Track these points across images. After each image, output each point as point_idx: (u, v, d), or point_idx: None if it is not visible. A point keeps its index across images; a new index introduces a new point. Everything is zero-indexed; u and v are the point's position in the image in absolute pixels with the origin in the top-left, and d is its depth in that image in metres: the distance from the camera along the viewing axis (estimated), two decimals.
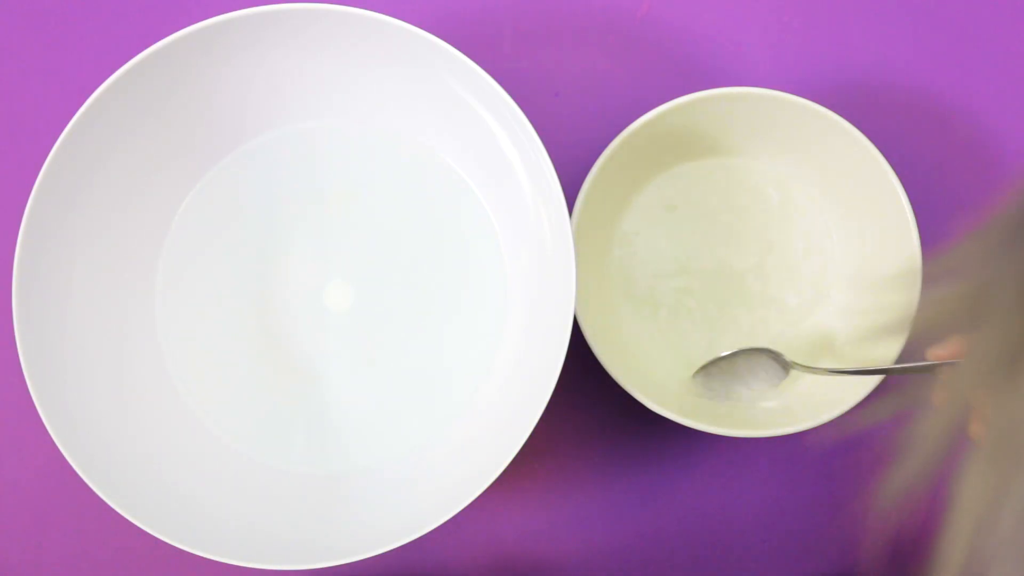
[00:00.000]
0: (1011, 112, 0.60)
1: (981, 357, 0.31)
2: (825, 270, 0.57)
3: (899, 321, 0.49)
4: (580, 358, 0.58)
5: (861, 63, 0.59)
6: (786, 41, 0.59)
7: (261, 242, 0.56)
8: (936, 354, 0.47)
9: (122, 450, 0.51)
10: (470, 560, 0.58)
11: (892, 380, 0.53)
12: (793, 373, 0.55)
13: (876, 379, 0.52)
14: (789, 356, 0.54)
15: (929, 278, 0.49)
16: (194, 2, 0.58)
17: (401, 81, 0.52)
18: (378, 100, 0.54)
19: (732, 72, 0.59)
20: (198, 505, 0.52)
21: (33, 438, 0.56)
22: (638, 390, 0.52)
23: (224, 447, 0.55)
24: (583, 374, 0.58)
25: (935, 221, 0.56)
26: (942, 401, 0.34)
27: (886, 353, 0.51)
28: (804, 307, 0.57)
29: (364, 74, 0.53)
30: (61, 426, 0.49)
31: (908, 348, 0.50)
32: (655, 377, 0.56)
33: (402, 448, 0.55)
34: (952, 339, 0.45)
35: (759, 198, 0.58)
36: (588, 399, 0.58)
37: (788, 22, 0.59)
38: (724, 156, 0.57)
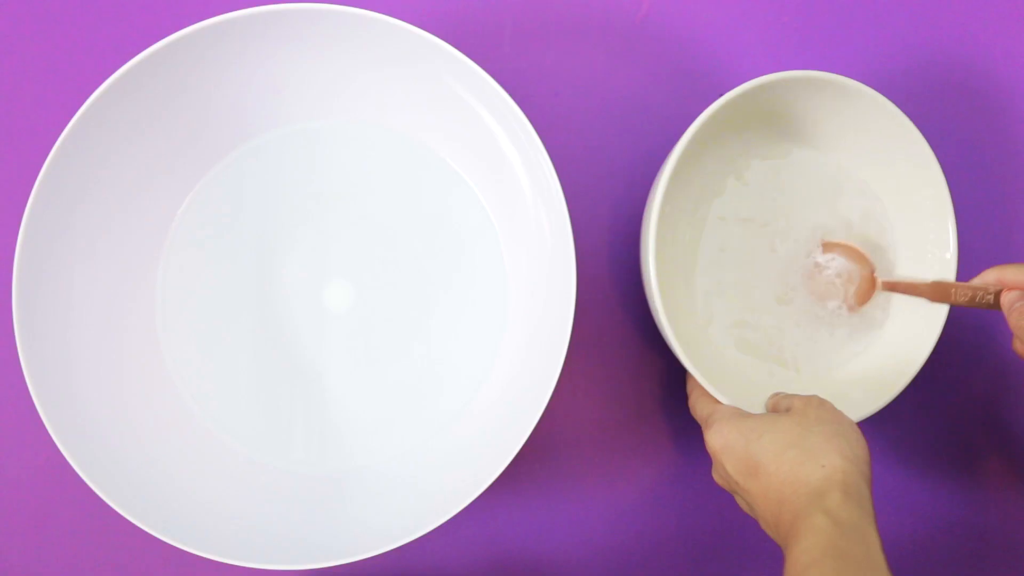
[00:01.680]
0: None
1: None
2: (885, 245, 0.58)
3: None
4: (582, 358, 0.58)
5: (861, 60, 0.59)
6: (784, 40, 0.59)
7: (261, 242, 0.56)
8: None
9: (122, 450, 0.51)
10: (470, 560, 0.58)
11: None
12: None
13: (909, 377, 0.53)
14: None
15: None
16: (194, 2, 0.58)
17: (401, 81, 0.52)
18: (378, 100, 0.54)
19: (732, 72, 0.59)
20: (198, 505, 0.52)
21: (33, 438, 0.56)
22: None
23: (224, 447, 0.55)
24: (584, 375, 0.58)
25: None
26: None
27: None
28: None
29: (364, 74, 0.53)
30: (61, 426, 0.49)
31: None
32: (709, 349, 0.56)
33: (402, 448, 0.55)
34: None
35: (825, 182, 0.57)
36: (588, 400, 0.58)
37: (787, 22, 0.60)
38: (798, 143, 0.57)
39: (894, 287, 0.54)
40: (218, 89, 0.52)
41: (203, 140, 0.54)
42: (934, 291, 0.52)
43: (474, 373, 0.55)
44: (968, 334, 0.60)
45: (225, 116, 0.54)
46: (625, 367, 0.58)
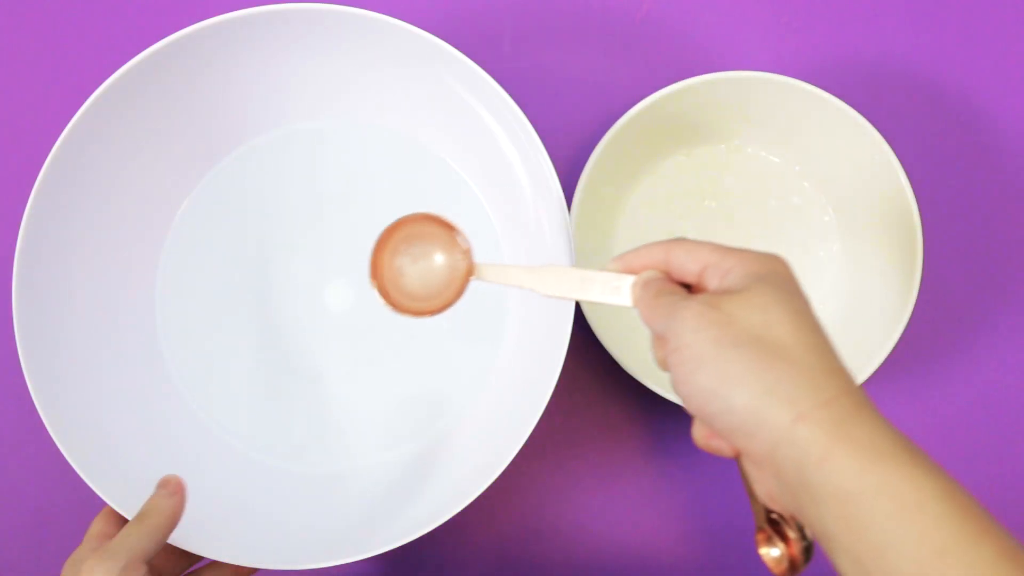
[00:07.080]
0: (1013, 96, 0.59)
1: None
2: (825, 250, 0.58)
3: None
4: (583, 359, 0.58)
5: (862, 60, 0.59)
6: (786, 42, 0.59)
7: (261, 242, 0.56)
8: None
9: (122, 450, 0.51)
10: (471, 560, 0.58)
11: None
12: None
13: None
14: None
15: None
16: (195, 2, 0.58)
17: (401, 81, 0.52)
18: (378, 100, 0.54)
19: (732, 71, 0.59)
20: (197, 504, 0.51)
21: (33, 438, 0.56)
22: (644, 376, 0.52)
23: (224, 447, 0.55)
24: (585, 374, 0.58)
25: (935, 208, 0.57)
26: None
27: None
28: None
29: (364, 74, 0.53)
30: (61, 426, 0.49)
31: None
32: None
33: (402, 448, 0.55)
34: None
35: (759, 183, 0.58)
36: (589, 399, 0.58)
37: (788, 22, 0.60)
38: (721, 143, 0.57)
39: (494, 276, 0.41)
40: (218, 89, 0.52)
41: (203, 140, 0.55)
42: (545, 280, 0.39)
43: (474, 373, 0.55)
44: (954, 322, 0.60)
45: (225, 116, 0.54)
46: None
